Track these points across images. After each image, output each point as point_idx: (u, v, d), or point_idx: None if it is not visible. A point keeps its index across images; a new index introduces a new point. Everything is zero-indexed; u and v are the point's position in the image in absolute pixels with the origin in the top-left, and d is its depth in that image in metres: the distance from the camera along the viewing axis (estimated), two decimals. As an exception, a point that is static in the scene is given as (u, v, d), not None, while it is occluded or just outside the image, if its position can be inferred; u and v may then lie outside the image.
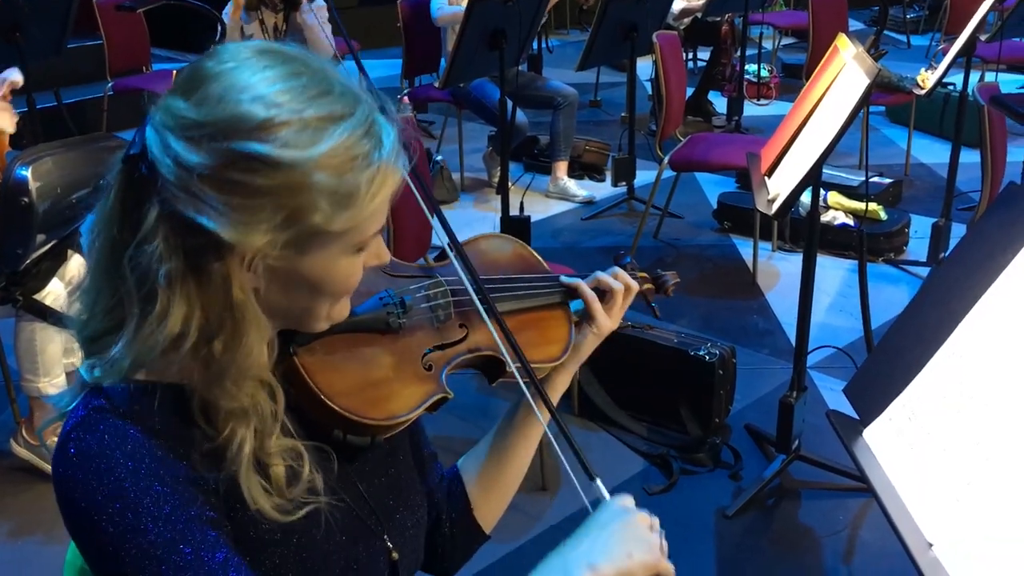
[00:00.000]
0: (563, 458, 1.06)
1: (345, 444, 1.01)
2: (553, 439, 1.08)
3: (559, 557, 0.97)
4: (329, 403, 0.98)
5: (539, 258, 1.33)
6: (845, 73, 2.42)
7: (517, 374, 1.09)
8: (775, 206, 2.44)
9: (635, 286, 1.31)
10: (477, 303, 1.11)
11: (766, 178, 2.62)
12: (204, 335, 0.89)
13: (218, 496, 0.91)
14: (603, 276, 1.29)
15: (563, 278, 1.28)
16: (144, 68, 5.60)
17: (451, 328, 1.13)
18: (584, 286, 1.27)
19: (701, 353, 2.98)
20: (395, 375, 1.05)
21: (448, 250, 1.15)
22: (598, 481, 1.05)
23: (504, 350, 1.10)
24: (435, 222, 1.13)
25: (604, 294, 1.29)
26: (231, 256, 0.88)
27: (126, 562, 0.86)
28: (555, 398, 1.26)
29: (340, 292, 0.96)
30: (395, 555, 1.08)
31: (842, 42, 2.55)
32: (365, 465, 1.08)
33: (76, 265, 2.74)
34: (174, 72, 4.65)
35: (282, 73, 0.88)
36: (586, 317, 1.27)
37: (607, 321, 1.28)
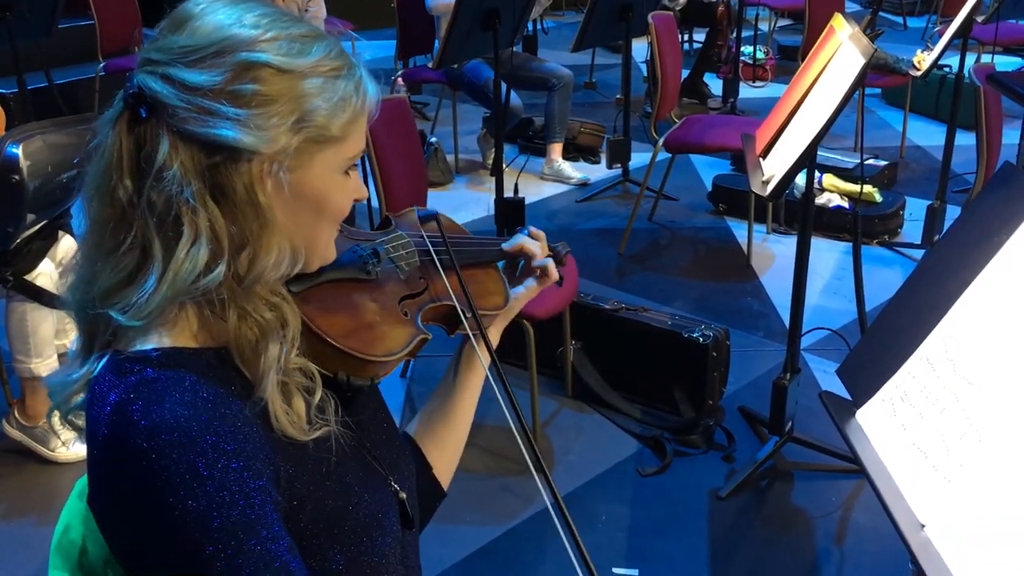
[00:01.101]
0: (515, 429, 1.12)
1: (348, 387, 1.05)
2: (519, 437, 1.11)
3: None
4: (336, 343, 1.03)
5: (460, 226, 1.40)
6: (840, 53, 2.41)
7: (464, 319, 1.19)
8: (769, 188, 2.43)
9: (536, 250, 1.35)
10: (435, 255, 1.21)
11: (761, 159, 2.61)
12: (235, 249, 0.93)
13: (270, 448, 0.93)
14: (514, 243, 1.34)
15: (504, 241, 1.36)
16: (136, 49, 5.56)
17: (414, 280, 1.21)
18: (515, 243, 1.33)
19: (695, 335, 2.97)
20: (382, 318, 1.12)
21: (391, 218, 1.28)
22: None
23: (455, 296, 1.19)
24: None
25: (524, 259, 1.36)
26: (249, 166, 0.92)
27: (203, 539, 0.85)
28: (495, 336, 1.33)
29: (336, 214, 1.02)
30: (403, 495, 1.11)
31: (838, 22, 2.54)
32: (361, 415, 1.11)
33: (67, 246, 2.72)
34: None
35: (255, 5, 0.96)
36: (518, 278, 1.35)
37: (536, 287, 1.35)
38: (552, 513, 1.00)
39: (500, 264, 1.36)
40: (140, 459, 0.86)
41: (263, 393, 0.94)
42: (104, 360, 0.95)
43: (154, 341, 0.93)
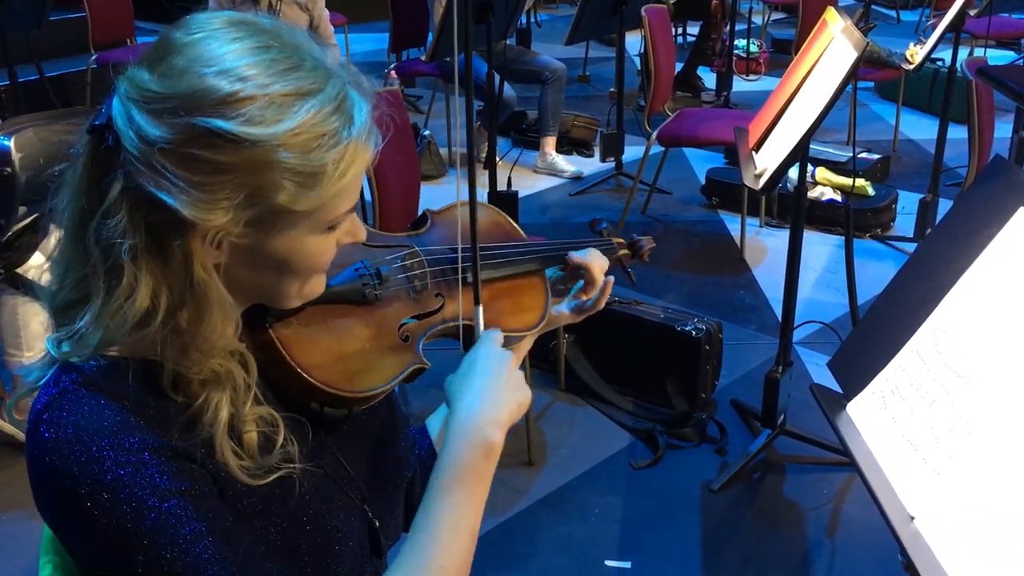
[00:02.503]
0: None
1: (322, 416, 1.00)
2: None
3: (464, 422, 0.99)
4: (306, 376, 0.97)
5: (515, 225, 1.33)
6: (833, 47, 2.41)
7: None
8: (762, 181, 2.43)
9: (599, 278, 1.32)
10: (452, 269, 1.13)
11: (753, 153, 2.61)
12: (170, 310, 0.88)
13: (204, 469, 0.90)
14: (578, 259, 1.31)
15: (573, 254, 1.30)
16: (128, 41, 5.54)
17: (428, 298, 1.12)
18: (579, 259, 1.29)
19: (688, 328, 2.98)
20: (372, 347, 1.04)
21: (428, 216, 1.18)
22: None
23: (479, 320, 1.11)
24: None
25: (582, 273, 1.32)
26: (193, 233, 0.86)
27: (118, 549, 0.85)
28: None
29: (309, 271, 0.95)
30: (376, 523, 1.08)
31: (831, 15, 2.54)
32: (342, 435, 1.07)
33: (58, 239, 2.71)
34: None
35: (251, 46, 0.86)
36: (571, 294, 1.30)
37: (594, 306, 1.31)
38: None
39: (551, 272, 1.28)
40: (49, 474, 0.86)
41: (204, 433, 0.90)
42: (54, 368, 0.92)
43: (97, 348, 0.90)
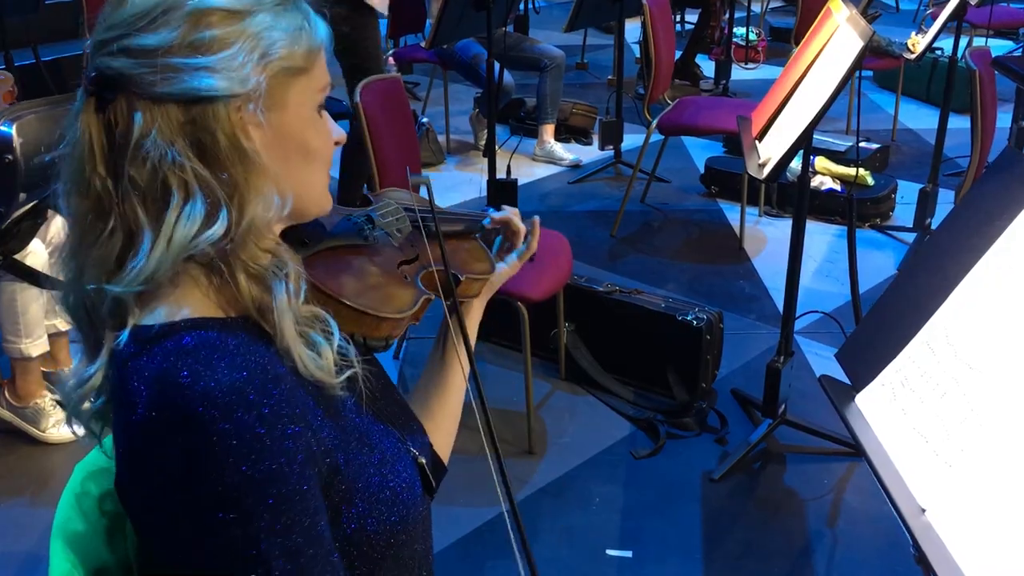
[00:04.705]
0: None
1: (365, 348, 1.05)
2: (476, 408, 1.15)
3: None
4: (349, 303, 1.03)
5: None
6: (838, 36, 2.40)
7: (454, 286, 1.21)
8: (766, 170, 2.42)
9: (521, 226, 1.40)
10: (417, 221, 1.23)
11: (757, 142, 2.61)
12: (227, 196, 0.91)
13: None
14: (495, 217, 1.39)
15: (490, 212, 1.39)
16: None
17: (407, 247, 1.23)
18: (496, 217, 1.38)
19: (689, 318, 2.97)
20: (386, 280, 1.13)
21: (369, 195, 1.32)
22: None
23: (446, 260, 1.19)
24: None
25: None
26: (227, 113, 0.91)
27: (259, 507, 0.84)
28: (473, 325, 1.35)
29: (322, 154, 1.02)
30: (421, 459, 1.10)
31: (835, 4, 2.53)
32: (371, 385, 1.08)
33: (58, 226, 2.70)
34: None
35: None
36: (499, 253, 1.39)
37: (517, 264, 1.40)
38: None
39: (478, 236, 1.39)
40: (195, 425, 0.82)
41: (287, 343, 0.92)
42: (124, 336, 0.89)
43: (164, 317, 0.90)
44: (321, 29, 1.00)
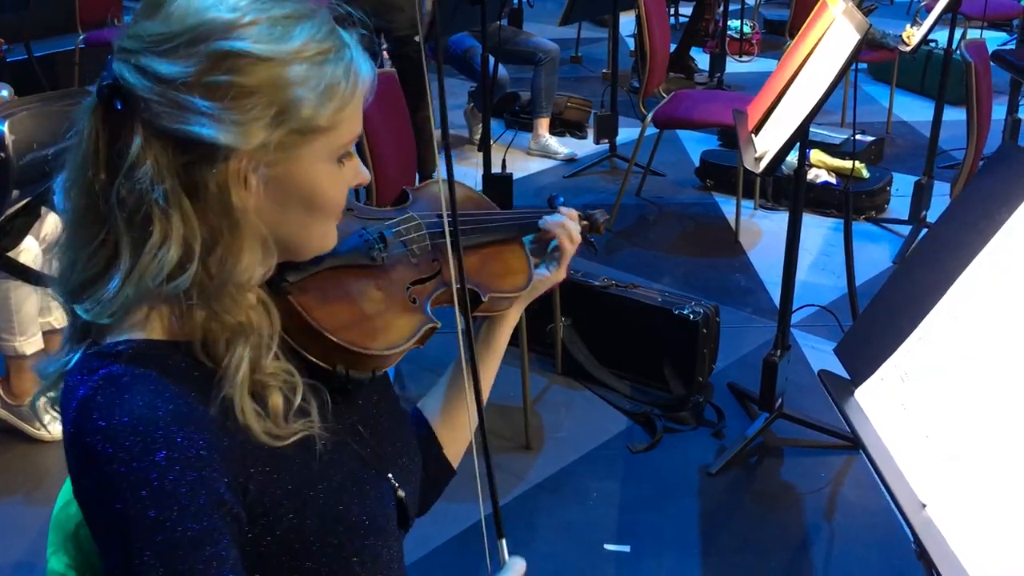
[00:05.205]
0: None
1: (347, 381, 1.01)
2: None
3: None
4: (332, 337, 0.98)
5: (489, 200, 1.36)
6: (834, 28, 2.40)
7: (481, 302, 1.15)
8: (763, 164, 2.42)
9: (577, 236, 1.34)
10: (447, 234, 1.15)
11: (753, 136, 2.60)
12: (205, 249, 0.88)
13: (236, 454, 0.89)
14: (551, 222, 1.32)
15: (534, 217, 1.32)
16: (115, 20, 5.48)
17: (426, 262, 1.16)
18: (552, 222, 1.31)
19: (685, 312, 2.97)
20: (386, 307, 1.07)
21: (408, 192, 1.23)
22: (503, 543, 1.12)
23: (463, 279, 1.12)
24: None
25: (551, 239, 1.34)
26: (225, 165, 0.87)
27: (144, 550, 0.82)
28: (507, 331, 1.30)
29: (330, 206, 0.97)
30: (400, 492, 1.08)
31: (831, -3, 2.52)
32: (359, 408, 1.07)
33: (51, 223, 2.69)
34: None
35: None
36: (547, 256, 1.33)
37: (563, 271, 1.34)
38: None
39: (528, 239, 1.32)
40: (99, 460, 0.83)
41: (231, 391, 0.89)
42: (78, 354, 0.91)
43: (126, 334, 0.90)
44: (364, 75, 0.94)
